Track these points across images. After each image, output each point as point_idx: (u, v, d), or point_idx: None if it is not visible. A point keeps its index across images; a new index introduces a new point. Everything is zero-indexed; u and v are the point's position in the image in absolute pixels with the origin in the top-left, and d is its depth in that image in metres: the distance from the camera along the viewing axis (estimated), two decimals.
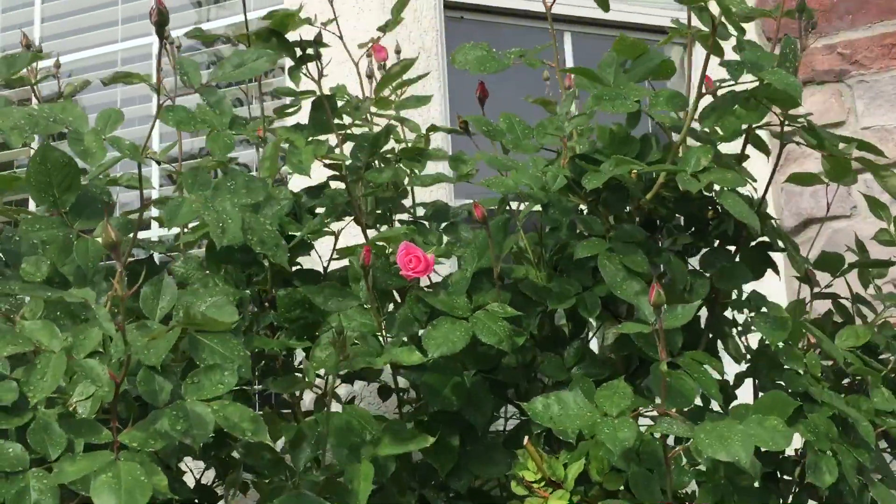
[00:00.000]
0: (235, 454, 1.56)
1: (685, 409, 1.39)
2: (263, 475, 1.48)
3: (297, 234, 1.56)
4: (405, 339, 1.50)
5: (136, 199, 2.41)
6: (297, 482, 1.42)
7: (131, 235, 1.42)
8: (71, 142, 1.28)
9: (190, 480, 1.65)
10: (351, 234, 1.76)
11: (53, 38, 3.21)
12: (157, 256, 1.78)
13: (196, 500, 1.59)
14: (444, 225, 1.74)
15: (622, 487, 1.41)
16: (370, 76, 1.88)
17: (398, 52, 2.04)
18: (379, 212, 1.73)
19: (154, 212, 2.49)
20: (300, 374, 1.64)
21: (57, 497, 1.13)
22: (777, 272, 1.71)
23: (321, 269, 1.70)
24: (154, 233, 2.66)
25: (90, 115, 1.36)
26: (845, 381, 1.69)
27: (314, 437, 1.44)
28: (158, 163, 1.78)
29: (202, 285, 1.60)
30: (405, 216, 1.82)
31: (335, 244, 1.69)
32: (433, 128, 1.85)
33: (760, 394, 1.67)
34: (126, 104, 3.09)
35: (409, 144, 1.80)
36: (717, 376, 1.48)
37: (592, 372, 1.57)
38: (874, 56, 2.77)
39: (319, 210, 1.67)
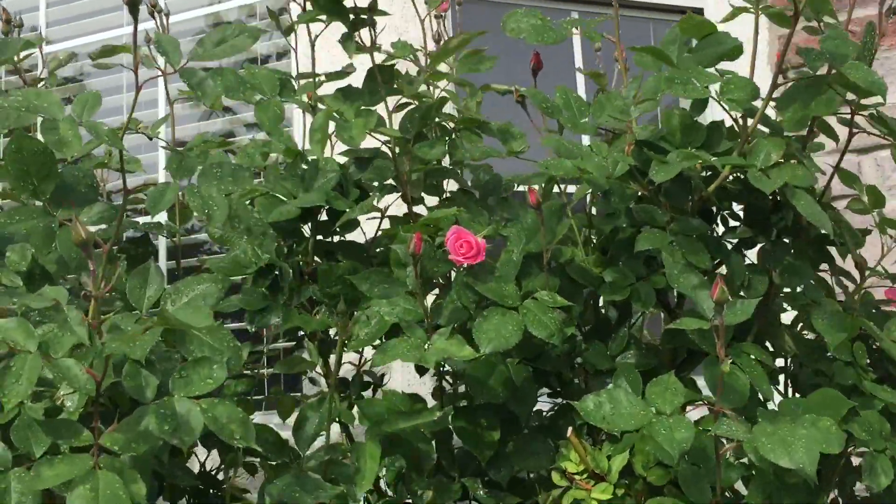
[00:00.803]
0: None
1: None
2: (266, 458, 1.45)
3: (344, 209, 1.52)
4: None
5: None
6: (301, 463, 1.40)
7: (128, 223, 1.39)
8: (44, 130, 1.22)
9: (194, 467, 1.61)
10: (397, 204, 1.70)
11: (57, 23, 3.15)
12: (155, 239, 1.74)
13: (200, 487, 1.55)
14: (496, 200, 1.71)
15: (668, 483, 1.39)
16: (437, 40, 1.81)
17: (459, 3, 1.93)
18: (430, 182, 1.68)
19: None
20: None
21: (39, 498, 1.09)
22: (834, 265, 1.65)
23: (363, 240, 1.68)
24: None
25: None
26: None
27: (317, 418, 1.42)
28: (150, 138, 1.70)
29: (242, 252, 1.55)
30: (455, 185, 1.77)
31: (381, 219, 1.67)
32: (486, 87, 1.79)
33: (798, 380, 1.66)
34: (132, 88, 3.02)
35: (463, 112, 1.73)
36: (769, 368, 1.45)
37: (639, 362, 1.53)
38: (888, 33, 2.67)
39: (367, 181, 1.63)
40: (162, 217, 1.68)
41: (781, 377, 1.67)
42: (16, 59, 1.69)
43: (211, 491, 1.55)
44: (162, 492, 1.44)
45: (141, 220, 1.73)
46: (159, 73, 1.28)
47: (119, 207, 1.37)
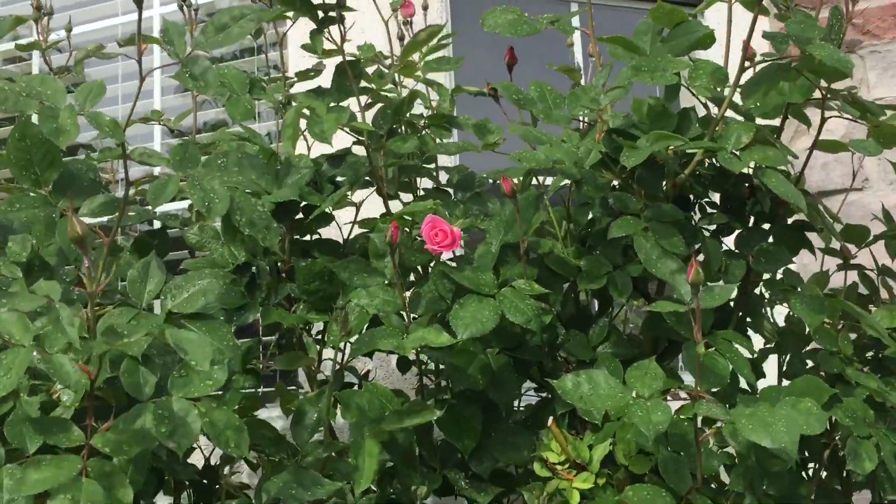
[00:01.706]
0: None
1: (715, 390, 1.40)
2: (265, 453, 1.48)
3: (318, 204, 1.56)
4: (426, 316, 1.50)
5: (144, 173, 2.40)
6: (300, 460, 1.42)
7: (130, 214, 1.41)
8: (43, 118, 1.23)
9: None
10: (372, 201, 1.75)
11: (57, 11, 3.19)
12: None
13: (203, 481, 1.59)
14: (469, 195, 1.76)
15: (649, 471, 1.41)
16: (401, 38, 1.86)
17: (426, 7, 2.01)
18: (404, 180, 1.73)
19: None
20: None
21: (30, 500, 1.11)
22: (813, 252, 1.70)
23: (340, 239, 1.73)
24: (176, 206, 2.65)
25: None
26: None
27: (315, 414, 1.45)
28: (172, 131, 1.75)
29: (218, 254, 1.62)
30: (429, 183, 1.82)
31: (357, 214, 1.70)
32: (458, 89, 1.84)
33: (785, 370, 1.69)
34: (128, 79, 3.06)
35: (435, 110, 1.79)
36: (749, 356, 1.48)
37: (619, 352, 1.57)
38: (887, 26, 2.76)
39: (341, 178, 1.68)
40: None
41: (771, 368, 1.71)
42: (43, 45, 1.69)
43: (216, 486, 1.57)
44: (162, 485, 1.46)
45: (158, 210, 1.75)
46: (173, 62, 1.28)
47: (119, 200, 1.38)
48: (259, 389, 1.65)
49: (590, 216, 1.62)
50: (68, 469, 1.11)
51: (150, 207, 1.44)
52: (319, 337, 1.70)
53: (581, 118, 1.66)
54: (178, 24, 1.30)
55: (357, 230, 1.71)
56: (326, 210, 1.54)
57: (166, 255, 1.67)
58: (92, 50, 1.89)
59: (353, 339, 1.47)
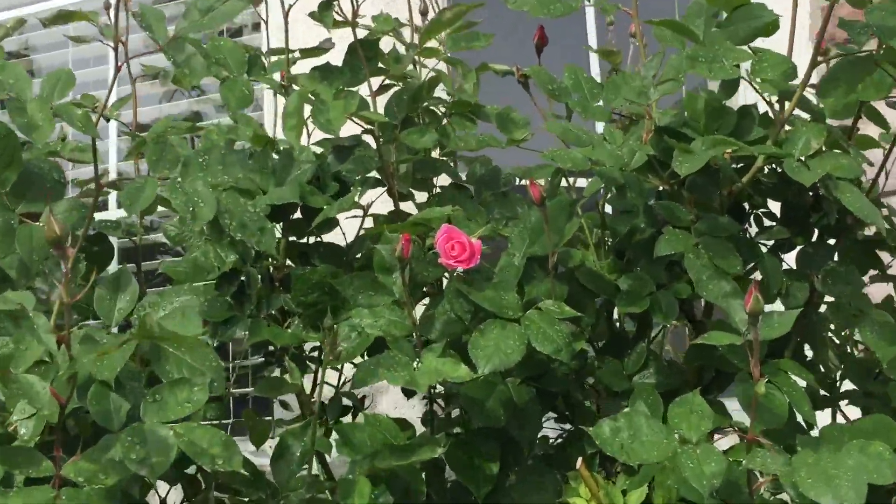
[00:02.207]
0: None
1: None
2: (240, 493, 1.43)
3: (321, 207, 1.51)
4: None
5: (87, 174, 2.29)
6: (281, 500, 1.39)
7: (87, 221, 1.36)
8: (11, 111, 1.19)
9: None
10: (382, 200, 1.69)
11: None
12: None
13: None
14: (492, 194, 1.69)
15: None
16: (423, 13, 1.79)
17: None
18: (418, 177, 1.67)
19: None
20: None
21: None
22: (885, 273, 1.63)
23: (343, 241, 1.66)
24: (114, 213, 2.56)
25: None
26: None
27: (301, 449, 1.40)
28: (107, 119, 1.65)
29: (202, 254, 1.54)
30: (446, 179, 1.76)
31: (363, 219, 1.64)
32: (484, 67, 1.77)
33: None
34: (78, 66, 2.98)
35: (456, 96, 1.71)
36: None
37: (659, 382, 1.52)
38: None
39: (347, 174, 1.61)
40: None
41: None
42: None
43: None
44: None
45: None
46: (153, 48, 1.26)
47: (88, 204, 1.35)
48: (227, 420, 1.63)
49: (630, 225, 1.56)
50: (40, 498, 1.09)
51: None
52: (317, 354, 1.66)
53: (621, 111, 1.62)
54: (154, 7, 1.27)
55: (364, 228, 1.67)
56: (331, 215, 1.49)
57: (107, 267, 1.63)
58: (12, 26, 1.78)
59: (355, 362, 1.40)
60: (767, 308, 1.33)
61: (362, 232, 1.64)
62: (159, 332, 1.13)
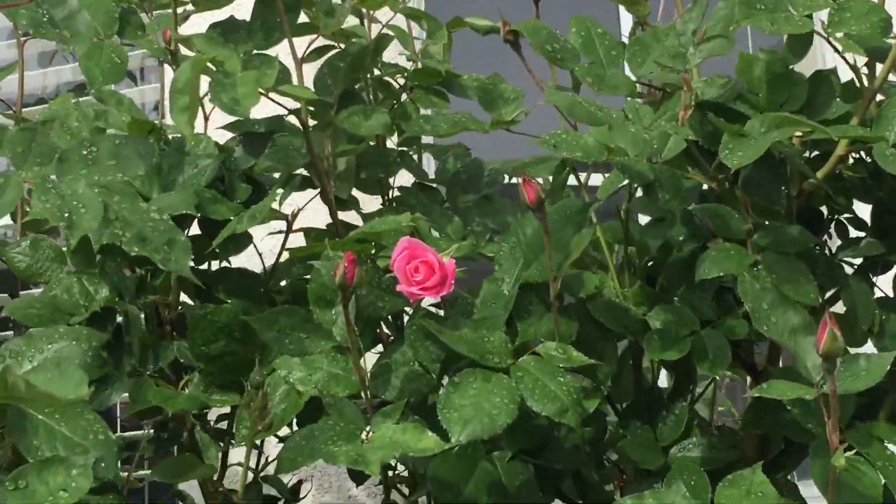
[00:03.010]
0: None
1: None
2: None
3: (226, 219, 1.53)
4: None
5: None
6: None
7: None
8: None
9: None
10: (313, 209, 1.71)
11: None
12: None
13: None
14: (471, 198, 1.74)
15: None
16: None
17: None
18: (363, 176, 1.71)
19: None
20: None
21: None
22: None
23: (259, 266, 1.70)
24: None
25: None
26: None
27: None
28: None
29: (63, 290, 1.56)
30: (407, 177, 1.79)
31: (288, 231, 1.66)
32: (458, 22, 1.82)
33: None
34: None
35: (418, 61, 1.76)
36: None
37: (707, 456, 1.56)
38: None
39: (264, 170, 1.65)
40: None
41: None
42: None
43: None
44: None
45: None
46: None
47: None
48: None
49: (664, 238, 1.60)
50: None
51: None
52: (226, 424, 1.68)
53: (650, 80, 1.64)
54: None
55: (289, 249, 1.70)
56: (240, 230, 1.50)
57: None
58: None
59: (280, 434, 1.46)
60: (853, 350, 1.37)
61: (286, 254, 1.67)
62: (25, 392, 1.14)
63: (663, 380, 1.73)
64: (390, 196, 1.76)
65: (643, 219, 1.70)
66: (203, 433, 1.55)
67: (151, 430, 1.76)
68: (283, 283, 1.70)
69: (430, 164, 1.92)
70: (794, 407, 1.40)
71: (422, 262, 1.38)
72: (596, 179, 1.69)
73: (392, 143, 1.76)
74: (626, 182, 1.56)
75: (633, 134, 1.46)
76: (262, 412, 1.35)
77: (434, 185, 1.77)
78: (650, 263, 1.63)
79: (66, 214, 1.32)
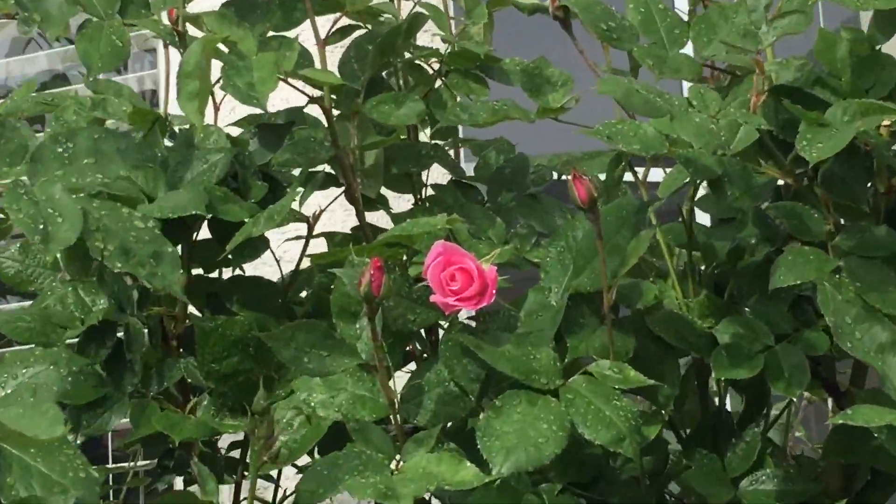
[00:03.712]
0: None
1: None
2: None
3: (240, 220, 1.53)
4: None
5: None
6: None
7: None
8: None
9: None
10: (338, 209, 1.73)
11: None
12: None
13: None
14: (514, 197, 1.74)
15: None
16: None
17: None
18: (394, 172, 1.72)
19: None
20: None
21: None
22: None
23: (276, 275, 1.72)
24: None
25: None
26: None
27: None
28: None
29: (57, 300, 1.57)
30: (441, 173, 1.79)
31: (309, 235, 1.66)
32: (499, 0, 1.81)
33: None
34: None
35: (455, 43, 1.74)
36: None
37: (783, 489, 1.55)
38: None
39: (282, 166, 1.67)
40: None
41: None
42: None
43: None
44: None
45: None
46: None
47: None
48: None
49: (733, 241, 1.61)
50: None
51: None
52: (239, 453, 1.70)
53: (717, 63, 1.66)
54: None
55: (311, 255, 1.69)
56: (255, 233, 1.50)
57: None
58: None
59: (300, 463, 1.46)
60: None
61: (307, 260, 1.67)
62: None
63: (732, 402, 1.75)
64: (423, 195, 1.76)
65: (709, 219, 1.71)
66: (201, 464, 1.54)
67: (135, 462, 1.76)
68: (303, 293, 1.71)
69: (468, 161, 1.90)
70: (881, 434, 1.39)
71: (459, 270, 1.38)
72: (656, 175, 1.70)
73: (425, 136, 1.77)
74: (689, 178, 1.56)
75: (698, 123, 1.46)
76: (268, 441, 1.35)
77: (473, 183, 1.77)
78: (717, 270, 1.63)
79: (41, 226, 1.32)
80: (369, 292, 1.35)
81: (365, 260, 1.38)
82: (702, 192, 1.66)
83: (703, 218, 1.75)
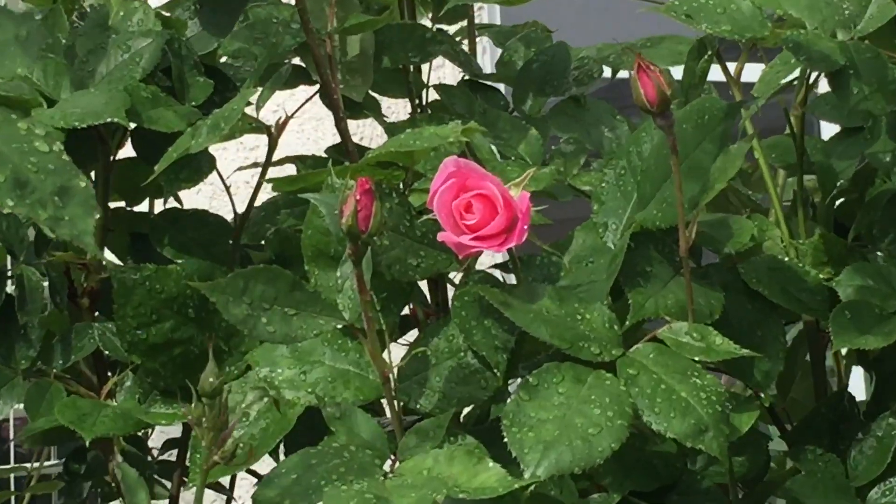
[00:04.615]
0: None
1: None
2: None
3: (174, 130, 1.57)
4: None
5: None
6: None
7: None
8: None
9: None
10: (310, 118, 1.73)
11: None
12: None
13: None
14: (552, 100, 1.76)
15: None
16: None
17: None
18: (387, 65, 1.72)
19: None
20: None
21: None
22: None
23: (229, 212, 1.77)
24: None
25: None
26: None
27: None
28: None
29: None
30: (451, 70, 1.90)
31: (271, 149, 1.67)
32: None
33: None
34: None
35: None
36: None
37: None
38: None
39: (233, 56, 1.71)
40: None
41: None
42: None
43: None
44: None
45: None
46: None
47: None
48: None
49: (861, 159, 1.66)
50: None
51: None
52: (176, 454, 1.71)
53: None
54: None
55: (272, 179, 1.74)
56: (195, 148, 1.50)
57: None
58: None
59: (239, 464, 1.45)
60: None
61: (268, 187, 1.70)
62: None
63: (857, 385, 1.76)
64: (424, 99, 1.78)
65: (828, 130, 1.67)
66: (127, 467, 1.54)
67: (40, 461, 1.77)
68: (263, 236, 1.75)
69: (488, 56, 1.88)
70: None
71: (477, 197, 1.38)
72: (752, 72, 1.70)
73: (427, 21, 1.79)
74: (800, 71, 1.58)
75: None
76: (220, 435, 1.33)
77: (493, 84, 1.78)
78: (839, 201, 1.64)
79: None
80: (354, 225, 1.33)
81: (349, 182, 1.36)
82: (819, 90, 1.67)
83: (819, 129, 1.73)
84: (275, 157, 1.70)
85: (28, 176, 1.36)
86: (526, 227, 1.38)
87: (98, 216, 1.41)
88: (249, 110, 1.59)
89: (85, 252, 1.56)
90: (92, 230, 1.35)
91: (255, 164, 1.73)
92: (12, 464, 1.91)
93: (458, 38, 1.84)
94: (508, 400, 1.38)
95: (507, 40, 1.84)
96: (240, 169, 1.76)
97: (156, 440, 1.75)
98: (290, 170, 1.77)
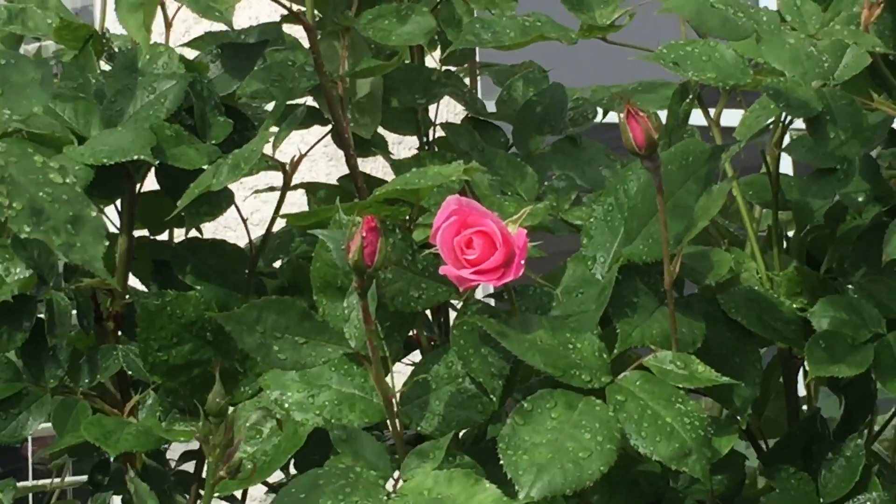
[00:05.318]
0: None
1: None
2: None
3: (196, 167, 1.57)
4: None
5: None
6: None
7: None
8: None
9: None
10: (321, 156, 1.68)
11: None
12: None
13: None
14: (551, 140, 1.76)
15: None
16: None
17: None
18: (395, 106, 1.75)
19: None
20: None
21: None
22: None
23: (244, 240, 1.76)
24: None
25: None
26: None
27: None
28: None
29: None
30: (456, 109, 1.83)
31: (285, 187, 1.67)
32: None
33: None
34: None
35: None
36: None
37: None
38: None
39: (252, 98, 1.70)
40: None
41: None
42: None
43: None
44: None
45: None
46: None
47: None
48: None
49: (834, 199, 1.68)
50: None
51: None
52: (194, 466, 1.72)
53: None
54: None
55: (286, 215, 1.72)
56: (216, 186, 1.52)
57: None
58: None
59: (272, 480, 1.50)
60: None
61: (282, 221, 1.70)
62: None
63: (827, 407, 1.74)
64: (432, 136, 1.77)
65: (797, 170, 1.67)
66: (139, 481, 1.51)
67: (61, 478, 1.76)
68: (276, 263, 1.75)
69: (487, 96, 1.91)
70: None
71: (478, 233, 1.37)
72: (731, 117, 1.70)
73: (434, 61, 1.78)
74: (778, 116, 1.57)
75: (792, 45, 1.48)
76: (226, 451, 1.33)
77: (495, 122, 1.77)
78: (812, 236, 1.64)
79: None
80: (361, 260, 1.33)
81: (356, 219, 1.36)
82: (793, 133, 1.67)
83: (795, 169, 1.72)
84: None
85: (43, 205, 1.36)
86: (523, 261, 1.38)
87: (107, 243, 1.41)
88: (266, 148, 1.57)
89: (112, 275, 1.58)
90: (101, 255, 1.36)
91: (271, 188, 1.72)
92: (30, 481, 1.87)
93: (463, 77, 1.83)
94: (509, 422, 1.36)
95: (506, 79, 1.83)
96: (257, 192, 1.76)
97: (174, 451, 1.73)
98: (303, 199, 1.77)
